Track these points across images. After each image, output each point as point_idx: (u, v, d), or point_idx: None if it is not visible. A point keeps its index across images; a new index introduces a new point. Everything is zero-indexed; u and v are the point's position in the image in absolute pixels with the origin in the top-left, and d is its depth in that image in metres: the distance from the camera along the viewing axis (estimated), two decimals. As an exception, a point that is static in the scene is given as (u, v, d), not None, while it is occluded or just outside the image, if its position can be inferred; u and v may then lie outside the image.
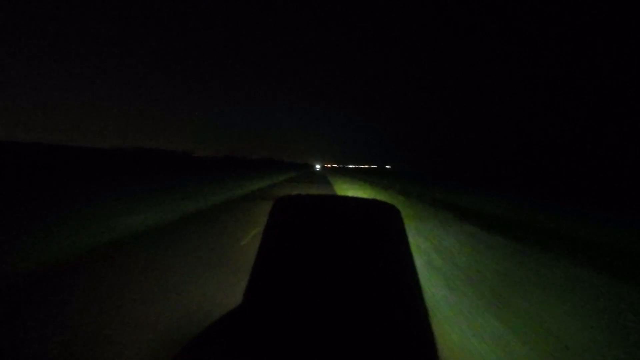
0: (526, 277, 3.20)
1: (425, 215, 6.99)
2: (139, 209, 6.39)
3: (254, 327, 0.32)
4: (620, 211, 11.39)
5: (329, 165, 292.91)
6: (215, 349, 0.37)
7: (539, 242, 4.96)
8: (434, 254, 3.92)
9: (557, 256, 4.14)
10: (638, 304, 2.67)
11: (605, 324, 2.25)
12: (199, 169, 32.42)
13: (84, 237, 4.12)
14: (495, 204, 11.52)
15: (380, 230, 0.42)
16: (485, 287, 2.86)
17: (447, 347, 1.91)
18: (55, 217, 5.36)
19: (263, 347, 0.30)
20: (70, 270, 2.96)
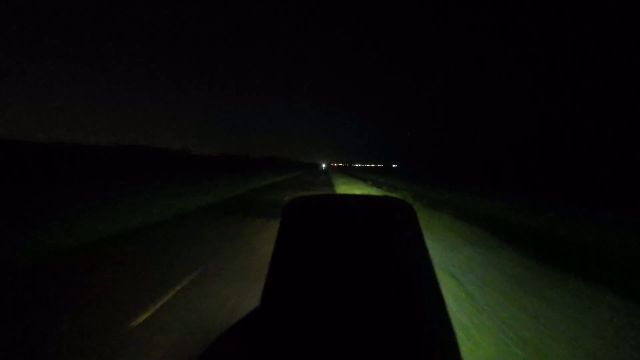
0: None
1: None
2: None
3: (272, 330, 0.32)
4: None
5: (335, 165, 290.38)
6: (234, 351, 0.38)
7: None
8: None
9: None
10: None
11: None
12: (210, 168, 30.35)
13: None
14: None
15: (395, 228, 0.40)
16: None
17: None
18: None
19: (282, 350, 0.30)
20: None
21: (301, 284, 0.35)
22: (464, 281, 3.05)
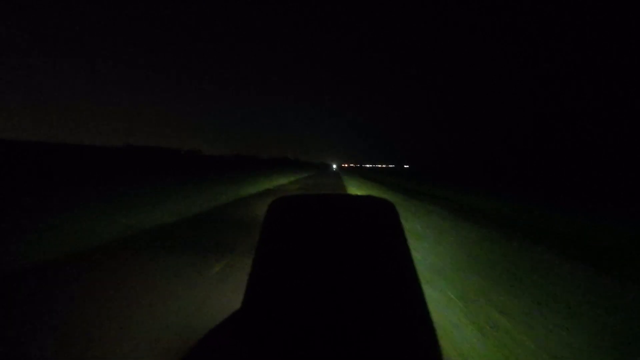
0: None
1: None
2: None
3: (254, 330, 0.32)
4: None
5: (346, 165, 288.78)
6: (217, 353, 0.37)
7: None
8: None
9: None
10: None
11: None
12: (216, 168, 28.48)
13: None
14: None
15: (377, 226, 0.41)
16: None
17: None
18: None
19: (265, 350, 0.30)
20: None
21: (284, 283, 0.35)
22: None
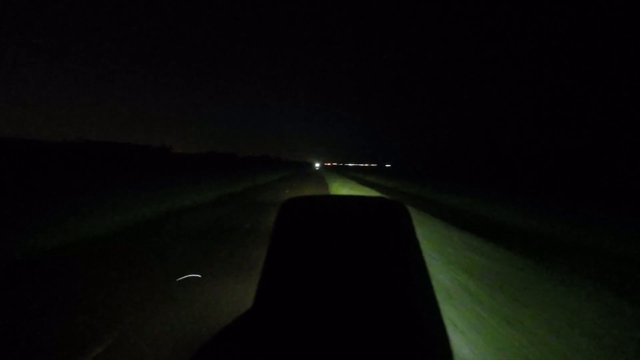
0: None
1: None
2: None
3: (265, 330, 0.31)
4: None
5: (329, 164, 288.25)
6: (227, 352, 0.37)
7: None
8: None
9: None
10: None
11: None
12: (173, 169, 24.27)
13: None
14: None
15: (389, 229, 0.40)
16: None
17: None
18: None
19: (275, 350, 0.29)
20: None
21: (295, 284, 0.34)
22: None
